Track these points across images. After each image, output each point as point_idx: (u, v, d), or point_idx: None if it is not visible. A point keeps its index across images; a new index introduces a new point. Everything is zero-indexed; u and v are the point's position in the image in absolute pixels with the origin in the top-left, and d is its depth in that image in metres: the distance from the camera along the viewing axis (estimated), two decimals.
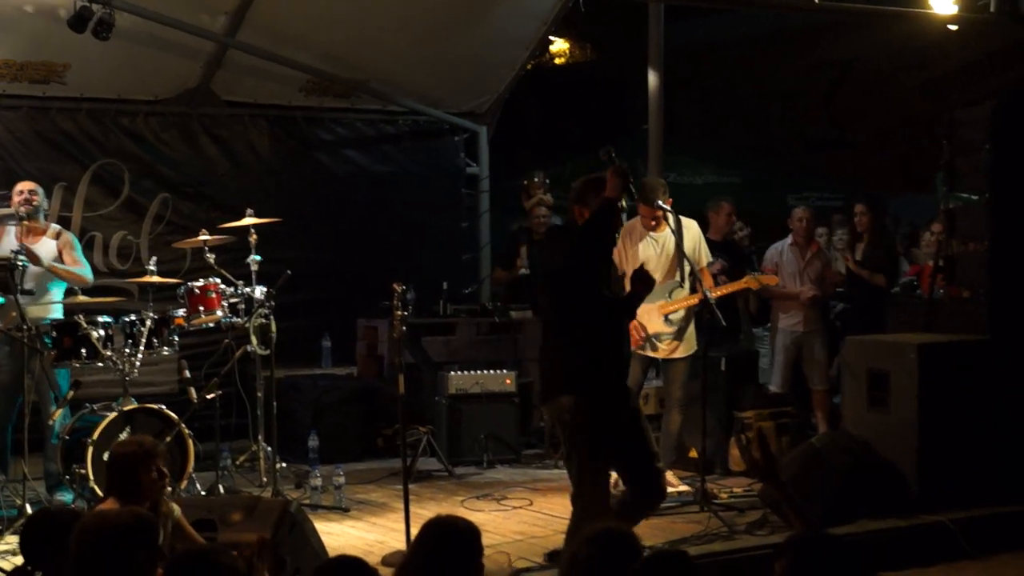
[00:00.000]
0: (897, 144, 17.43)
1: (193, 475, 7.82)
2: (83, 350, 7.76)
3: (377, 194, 11.33)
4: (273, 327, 8.21)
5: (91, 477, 7.37)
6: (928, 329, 8.56)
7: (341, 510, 7.78)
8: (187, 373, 8.28)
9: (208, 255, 8.27)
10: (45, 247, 8.17)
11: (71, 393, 7.79)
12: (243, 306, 8.26)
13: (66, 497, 7.80)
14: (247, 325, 8.21)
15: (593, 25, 17.40)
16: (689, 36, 15.92)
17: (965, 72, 16.03)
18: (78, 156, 10.10)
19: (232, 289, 8.26)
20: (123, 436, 7.44)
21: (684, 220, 8.18)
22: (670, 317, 8.14)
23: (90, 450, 7.42)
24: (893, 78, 17.27)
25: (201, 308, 8.11)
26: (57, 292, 8.24)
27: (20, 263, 7.66)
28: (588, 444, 5.97)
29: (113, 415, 7.59)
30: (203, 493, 7.79)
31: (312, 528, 6.22)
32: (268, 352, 8.22)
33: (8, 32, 9.30)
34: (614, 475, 6.49)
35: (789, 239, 9.77)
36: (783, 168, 17.23)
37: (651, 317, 8.11)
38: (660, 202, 7.91)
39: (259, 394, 8.41)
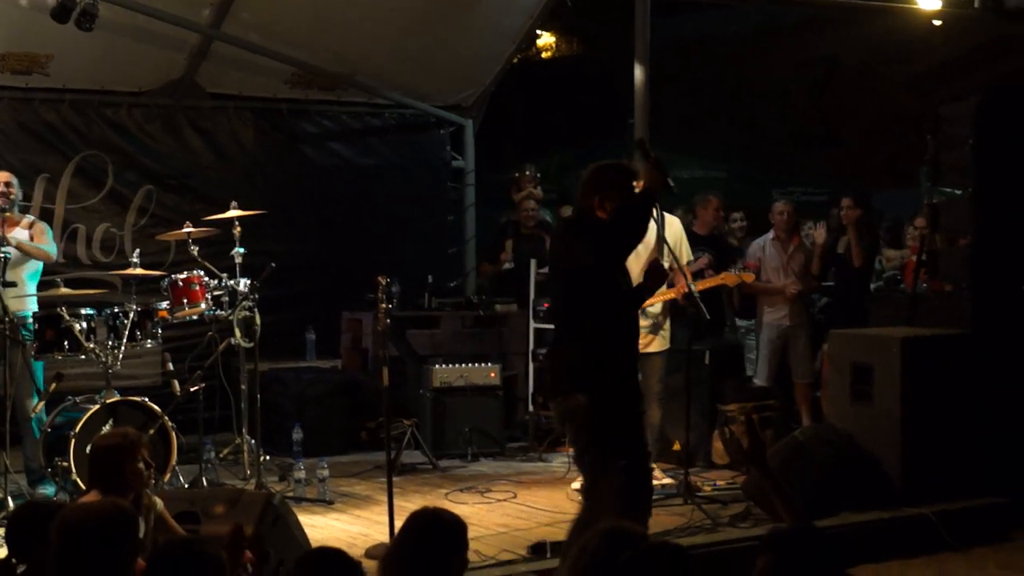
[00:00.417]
0: (882, 139, 17.46)
1: (176, 468, 7.80)
2: (65, 342, 7.74)
3: (362, 187, 11.32)
4: (257, 320, 8.20)
5: (73, 470, 7.36)
6: (911, 323, 8.58)
7: (325, 503, 7.78)
8: (170, 366, 8.26)
9: (192, 247, 8.25)
10: (20, 237, 8.13)
11: (53, 386, 7.76)
12: (227, 299, 8.24)
13: (49, 490, 7.78)
14: (231, 318, 8.19)
15: (580, 19, 17.39)
16: (676, 31, 15.91)
17: (949, 67, 16.05)
18: (61, 148, 10.07)
19: (216, 282, 8.25)
20: (106, 429, 7.42)
21: (667, 216, 8.20)
22: (647, 310, 8.15)
23: (72, 443, 7.40)
24: (878, 74, 17.29)
25: (185, 301, 8.09)
26: (32, 284, 8.22)
27: (3, 255, 7.64)
28: (600, 441, 5.82)
29: (96, 408, 7.58)
30: (186, 486, 7.77)
31: (296, 521, 6.22)
32: (252, 345, 8.21)
33: None
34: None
35: (771, 234, 9.80)
36: (769, 163, 17.25)
37: None
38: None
39: (243, 387, 8.40)
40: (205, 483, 7.85)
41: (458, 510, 4.25)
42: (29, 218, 8.43)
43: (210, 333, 8.42)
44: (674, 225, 8.25)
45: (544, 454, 9.33)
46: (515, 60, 12.32)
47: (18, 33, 9.46)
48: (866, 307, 9.50)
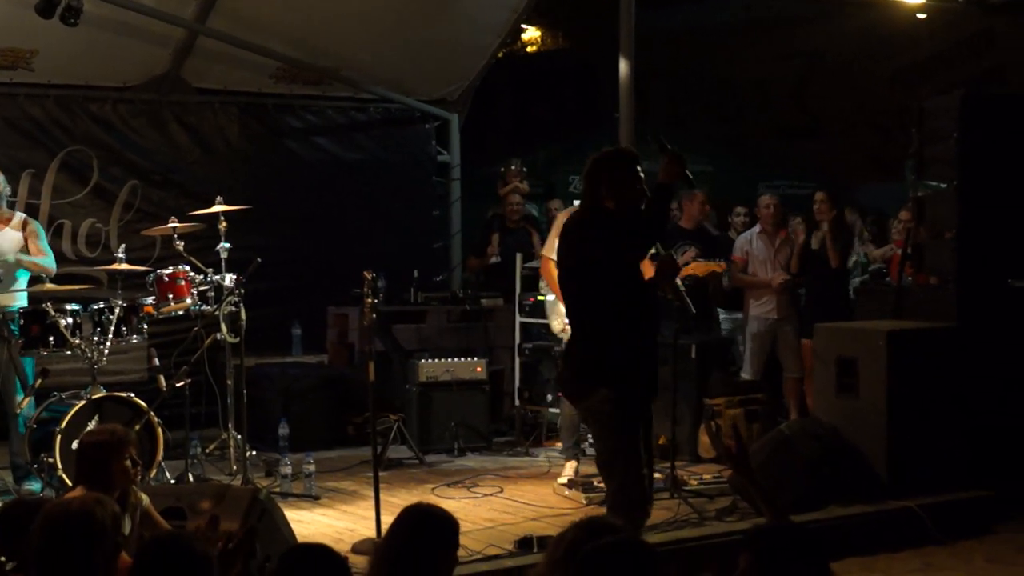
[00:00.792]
0: (866, 133, 17.49)
1: (162, 463, 7.79)
2: (51, 338, 7.72)
3: (348, 182, 11.31)
4: (243, 315, 8.19)
5: (59, 466, 7.34)
6: (897, 316, 8.60)
7: (311, 498, 7.77)
8: (156, 361, 8.26)
9: (177, 243, 8.23)
10: (10, 237, 8.10)
11: (39, 381, 7.74)
12: (213, 294, 8.22)
13: (35, 487, 7.76)
14: (217, 313, 8.18)
15: (565, 12, 17.38)
16: (662, 24, 15.91)
17: (934, 61, 16.09)
18: (46, 143, 10.04)
19: (202, 277, 8.23)
20: (92, 424, 7.41)
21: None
22: None
23: (58, 439, 7.39)
24: (863, 68, 17.31)
25: (170, 296, 8.08)
26: (23, 280, 8.19)
27: None
28: (623, 436, 5.73)
29: (81, 403, 7.56)
30: (172, 481, 7.75)
31: (282, 516, 6.21)
32: (238, 340, 8.20)
33: None
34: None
35: (757, 227, 9.81)
36: (754, 157, 17.27)
37: None
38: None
39: (229, 382, 8.38)
40: (191, 479, 7.83)
41: (445, 505, 4.25)
42: (20, 216, 8.37)
43: (196, 328, 8.40)
44: None
45: (531, 448, 9.33)
46: (500, 54, 12.32)
47: (2, 28, 9.41)
48: (843, 304, 9.52)
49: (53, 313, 7.69)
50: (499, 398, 9.99)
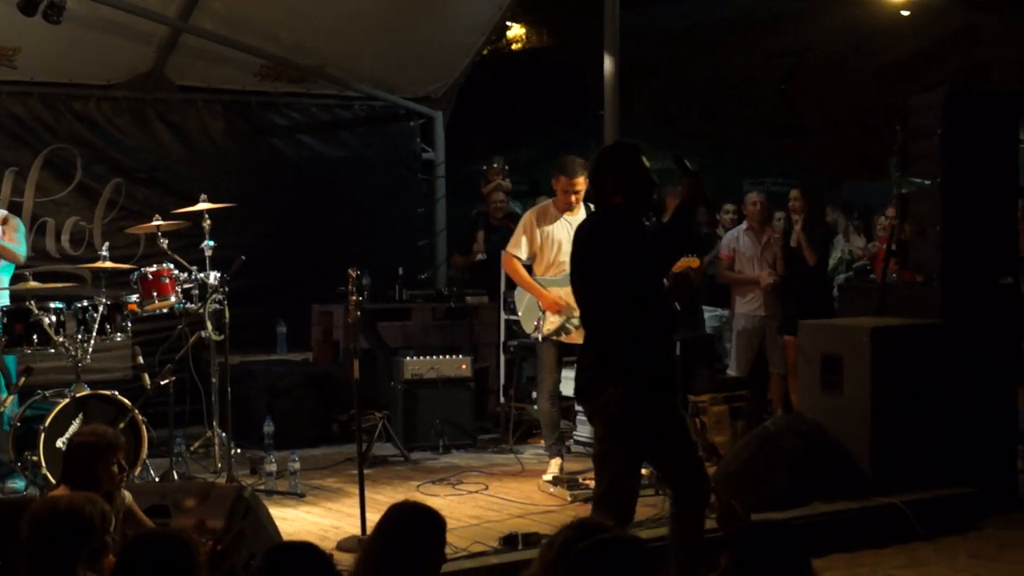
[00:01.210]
0: (851, 130, 17.56)
1: (147, 461, 7.77)
2: (34, 336, 7.70)
3: (332, 179, 11.28)
4: (227, 313, 8.17)
5: (43, 464, 7.32)
6: (881, 313, 8.61)
7: (296, 496, 7.76)
8: (140, 359, 8.22)
9: (161, 240, 8.21)
10: None
11: (22, 380, 7.72)
12: (197, 292, 8.21)
13: (18, 485, 7.74)
14: (201, 311, 8.16)
15: (549, 10, 17.40)
16: (646, 22, 15.93)
17: (918, 58, 16.14)
18: (29, 141, 10.00)
19: (186, 275, 8.21)
20: (76, 423, 7.40)
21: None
22: None
23: (42, 437, 7.37)
24: (847, 65, 17.38)
25: (155, 294, 8.05)
26: (5, 278, 8.17)
27: None
28: (622, 439, 5.65)
29: (65, 401, 7.54)
30: (157, 479, 7.74)
31: (267, 514, 6.19)
32: (222, 338, 8.18)
33: None
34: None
35: (744, 224, 9.82)
36: (739, 154, 17.30)
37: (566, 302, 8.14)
38: (582, 178, 7.93)
39: (213, 380, 8.36)
40: (175, 477, 7.82)
41: (430, 502, 4.25)
42: (2, 212, 8.36)
43: (180, 326, 8.39)
44: None
45: (516, 446, 9.33)
46: (485, 52, 12.31)
47: None
48: (826, 301, 9.53)
49: (37, 311, 7.67)
50: (484, 395, 10.00)
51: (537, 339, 8.24)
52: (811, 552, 3.80)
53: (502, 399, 9.84)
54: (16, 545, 4.02)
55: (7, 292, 8.13)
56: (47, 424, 7.40)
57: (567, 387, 8.84)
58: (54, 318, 7.73)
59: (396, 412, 9.29)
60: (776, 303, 9.58)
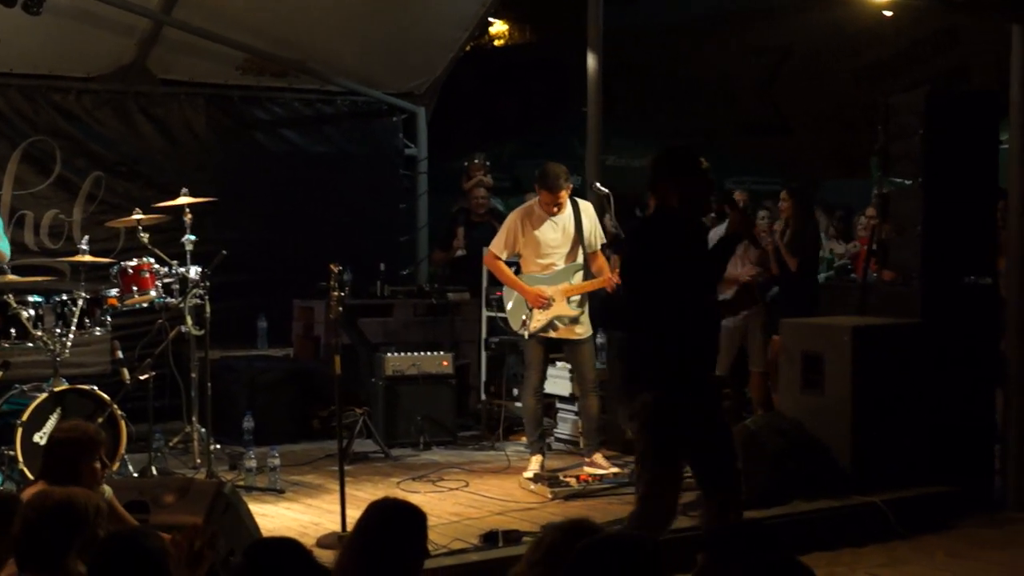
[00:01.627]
0: (832, 129, 17.59)
1: (125, 457, 7.74)
2: (12, 330, 7.65)
3: (314, 174, 11.25)
4: (208, 308, 8.14)
5: (20, 459, 7.27)
6: (862, 312, 8.64)
7: (276, 492, 7.73)
8: (119, 353, 8.19)
9: (142, 235, 8.17)
10: None
11: (0, 374, 7.68)
12: (177, 286, 8.18)
13: None
14: (181, 305, 8.13)
15: (532, 7, 17.39)
16: (629, 19, 15.94)
17: (899, 59, 16.19)
18: (8, 133, 9.93)
19: (166, 269, 8.18)
20: (53, 418, 7.36)
21: (580, 202, 8.27)
22: (571, 300, 8.18)
23: (19, 432, 7.32)
24: (828, 64, 17.41)
25: (135, 288, 8.03)
26: None
27: None
28: (656, 444, 5.65)
29: (43, 396, 7.50)
30: (135, 475, 7.71)
31: (247, 510, 6.18)
32: (203, 333, 8.15)
33: None
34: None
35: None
36: (721, 152, 17.30)
37: (554, 300, 8.15)
38: (565, 191, 8.07)
39: (193, 375, 8.34)
40: (155, 472, 7.79)
41: (410, 499, 4.24)
42: None
43: (160, 321, 8.36)
44: (588, 211, 8.29)
45: (496, 443, 9.33)
46: (468, 48, 12.29)
47: None
48: (811, 302, 9.53)
49: (15, 305, 7.62)
50: (465, 392, 9.99)
51: (524, 336, 8.25)
52: (788, 550, 3.82)
53: (483, 396, 9.83)
54: (6, 535, 4.02)
55: None
56: (24, 419, 7.36)
57: (552, 385, 8.88)
58: (32, 312, 7.69)
59: (377, 408, 9.27)
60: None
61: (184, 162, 10.54)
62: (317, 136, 11.46)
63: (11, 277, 7.89)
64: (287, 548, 3.71)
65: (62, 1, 9.11)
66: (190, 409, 8.41)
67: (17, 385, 7.94)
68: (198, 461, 8.18)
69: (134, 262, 8.09)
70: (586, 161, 9.73)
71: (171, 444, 8.52)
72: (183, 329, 8.19)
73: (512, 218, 8.37)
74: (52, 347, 7.71)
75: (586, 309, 8.25)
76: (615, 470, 8.14)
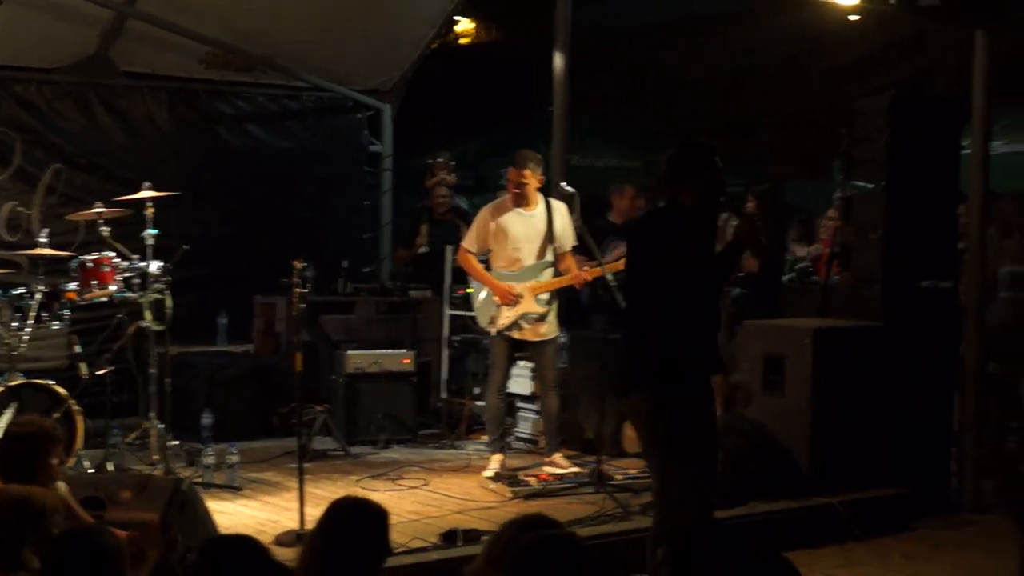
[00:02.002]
0: (797, 132, 17.65)
1: (81, 452, 7.67)
2: None
3: (278, 170, 11.19)
4: (169, 302, 8.09)
5: None
6: (823, 315, 8.68)
7: (234, 489, 7.69)
8: (77, 348, 8.12)
9: (102, 228, 8.11)
10: None
11: None
12: (138, 281, 8.11)
13: None
14: (141, 300, 8.07)
15: (498, 5, 17.36)
16: (596, 18, 15.94)
17: (864, 63, 16.26)
18: None
19: (127, 263, 8.12)
20: (9, 412, 7.28)
21: (554, 202, 8.27)
22: (539, 297, 8.19)
23: None
24: (795, 68, 17.47)
25: (94, 282, 7.95)
26: None
27: None
28: (661, 438, 5.61)
29: None
30: (91, 471, 7.64)
31: (204, 507, 6.14)
32: (163, 328, 8.10)
33: None
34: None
35: None
36: None
37: (522, 298, 8.14)
38: (528, 171, 8.05)
39: (152, 371, 8.27)
40: (111, 468, 7.73)
41: (370, 497, 4.22)
42: None
43: (120, 316, 8.29)
44: (561, 211, 8.29)
45: (457, 442, 9.32)
46: (434, 46, 12.26)
47: None
48: (775, 304, 9.57)
49: None
50: (426, 390, 9.96)
51: (491, 333, 8.24)
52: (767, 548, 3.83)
53: (444, 394, 9.81)
54: None
55: None
56: None
57: (513, 384, 8.87)
58: None
59: (337, 406, 9.24)
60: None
61: (146, 156, 10.45)
62: (282, 132, 11.40)
63: None
64: (244, 545, 3.69)
65: None
66: (148, 405, 8.34)
67: None
68: (155, 457, 8.11)
69: (94, 256, 8.01)
70: (552, 160, 9.72)
71: (128, 440, 8.44)
72: (142, 324, 8.13)
73: (483, 212, 8.37)
74: (8, 341, 7.63)
75: (554, 308, 8.24)
76: (575, 470, 8.14)
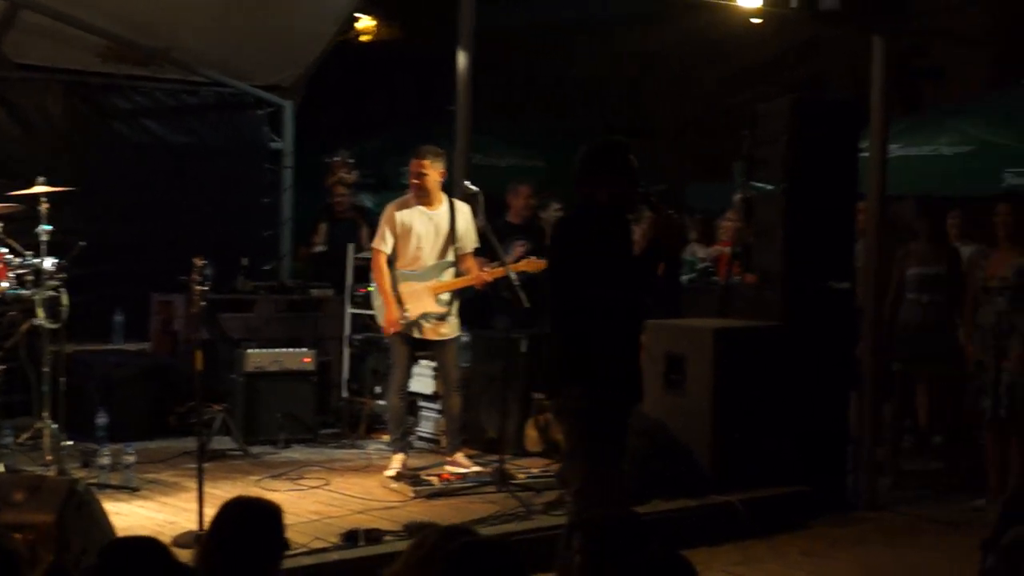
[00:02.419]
0: (694, 134, 17.85)
1: None
2: None
3: (176, 166, 11.04)
4: (64, 300, 7.92)
5: None
6: (724, 315, 8.76)
7: (130, 490, 7.56)
8: None
9: None
10: None
11: None
12: (32, 278, 7.93)
13: None
14: (35, 297, 7.90)
15: (399, 4, 17.30)
16: (498, 18, 15.95)
17: (761, 67, 16.50)
18: None
19: (20, 260, 7.94)
20: None
21: (457, 203, 8.28)
22: (440, 297, 8.18)
23: None
24: (693, 70, 17.66)
25: None
26: None
27: None
28: (589, 437, 5.66)
29: None
30: None
31: (101, 508, 6.02)
32: (57, 326, 7.93)
33: None
34: None
35: None
36: None
37: (421, 298, 8.13)
38: (428, 161, 8.07)
39: (45, 369, 8.09)
40: (2, 469, 7.55)
41: (270, 497, 4.18)
42: None
43: (12, 313, 8.10)
44: (464, 212, 8.30)
45: (357, 441, 9.27)
46: (336, 42, 12.17)
47: None
48: (675, 303, 9.64)
49: None
50: (327, 389, 9.87)
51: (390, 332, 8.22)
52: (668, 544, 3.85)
53: (345, 393, 9.75)
54: None
55: None
56: None
57: (415, 383, 8.84)
58: None
59: (236, 405, 9.13)
60: None
61: (40, 150, 10.24)
62: (180, 127, 11.24)
63: None
64: (144, 547, 3.61)
65: None
66: (41, 404, 8.15)
67: None
68: (49, 458, 7.92)
69: None
70: (454, 159, 9.69)
71: (20, 440, 8.25)
72: (36, 322, 7.95)
73: (389, 209, 8.34)
74: None
75: (455, 307, 8.23)
76: (476, 469, 8.13)
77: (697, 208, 13.26)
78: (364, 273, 9.51)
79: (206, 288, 6.81)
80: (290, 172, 11.85)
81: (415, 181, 8.18)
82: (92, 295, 9.73)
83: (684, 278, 10.58)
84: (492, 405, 8.69)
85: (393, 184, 14.04)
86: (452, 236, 8.19)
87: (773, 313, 8.28)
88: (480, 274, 8.18)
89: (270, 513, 3.93)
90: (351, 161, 11.03)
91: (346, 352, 9.82)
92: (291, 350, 9.38)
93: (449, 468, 8.15)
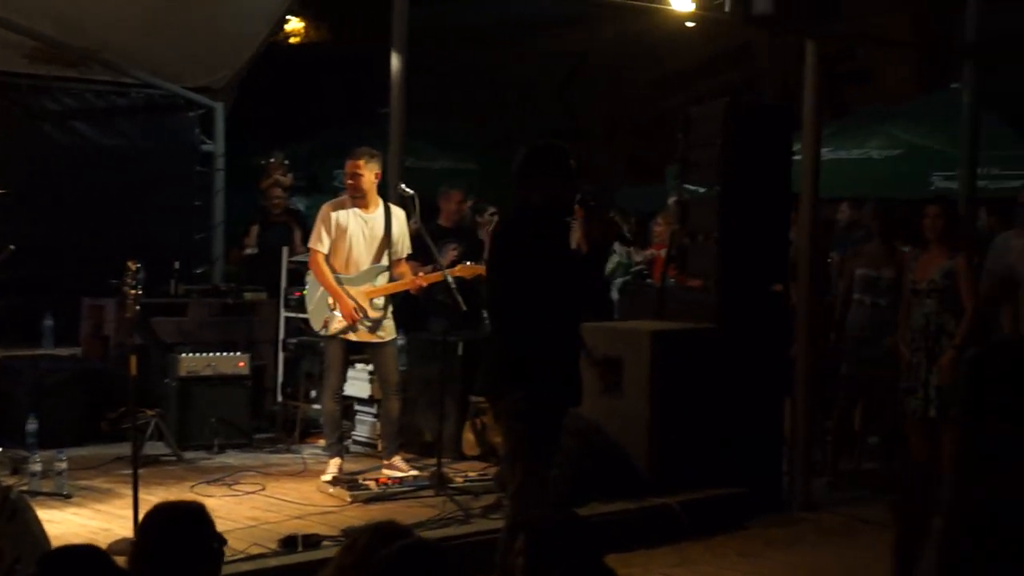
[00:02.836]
0: (626, 136, 17.94)
1: None
2: None
3: (107, 168, 10.89)
4: None
5: None
6: (659, 317, 8.79)
7: (63, 497, 7.45)
8: None
9: None
10: None
11: None
12: None
13: None
14: None
15: (328, 6, 17.25)
16: (430, 19, 15.93)
17: (694, 71, 16.61)
18: None
19: None
20: None
21: (394, 208, 8.28)
22: (373, 302, 8.16)
23: None
24: (625, 72, 17.74)
25: None
26: None
27: None
28: (527, 440, 5.67)
29: None
30: None
31: (35, 516, 5.91)
32: None
33: None
34: None
35: None
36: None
37: (356, 301, 8.10)
38: (362, 161, 8.07)
39: None
40: None
41: (205, 503, 4.12)
42: None
43: None
44: (400, 218, 8.29)
45: (293, 446, 9.21)
46: (268, 44, 12.08)
47: None
48: (605, 304, 9.67)
49: None
50: (261, 394, 9.80)
51: (324, 334, 8.17)
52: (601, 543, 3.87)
53: (280, 398, 9.68)
54: None
55: None
56: None
57: (350, 387, 8.80)
58: None
59: (170, 410, 9.03)
60: None
61: None
62: (110, 129, 11.10)
63: None
64: (85, 555, 3.55)
65: None
66: None
67: None
68: None
69: None
70: (388, 162, 9.66)
71: None
72: None
73: (325, 209, 8.31)
74: None
75: (390, 312, 8.21)
76: (414, 473, 8.11)
77: (629, 210, 13.31)
78: (298, 276, 9.45)
79: (139, 292, 6.72)
80: (222, 175, 11.73)
81: (350, 182, 8.17)
82: (21, 299, 9.60)
83: (618, 280, 10.61)
84: (429, 408, 8.67)
85: (325, 187, 13.98)
86: (387, 241, 8.17)
87: (708, 315, 8.33)
88: (415, 279, 8.17)
89: (195, 515, 3.87)
90: (287, 163, 10.96)
91: (280, 356, 9.76)
92: (225, 354, 9.30)
93: (387, 472, 8.12)
